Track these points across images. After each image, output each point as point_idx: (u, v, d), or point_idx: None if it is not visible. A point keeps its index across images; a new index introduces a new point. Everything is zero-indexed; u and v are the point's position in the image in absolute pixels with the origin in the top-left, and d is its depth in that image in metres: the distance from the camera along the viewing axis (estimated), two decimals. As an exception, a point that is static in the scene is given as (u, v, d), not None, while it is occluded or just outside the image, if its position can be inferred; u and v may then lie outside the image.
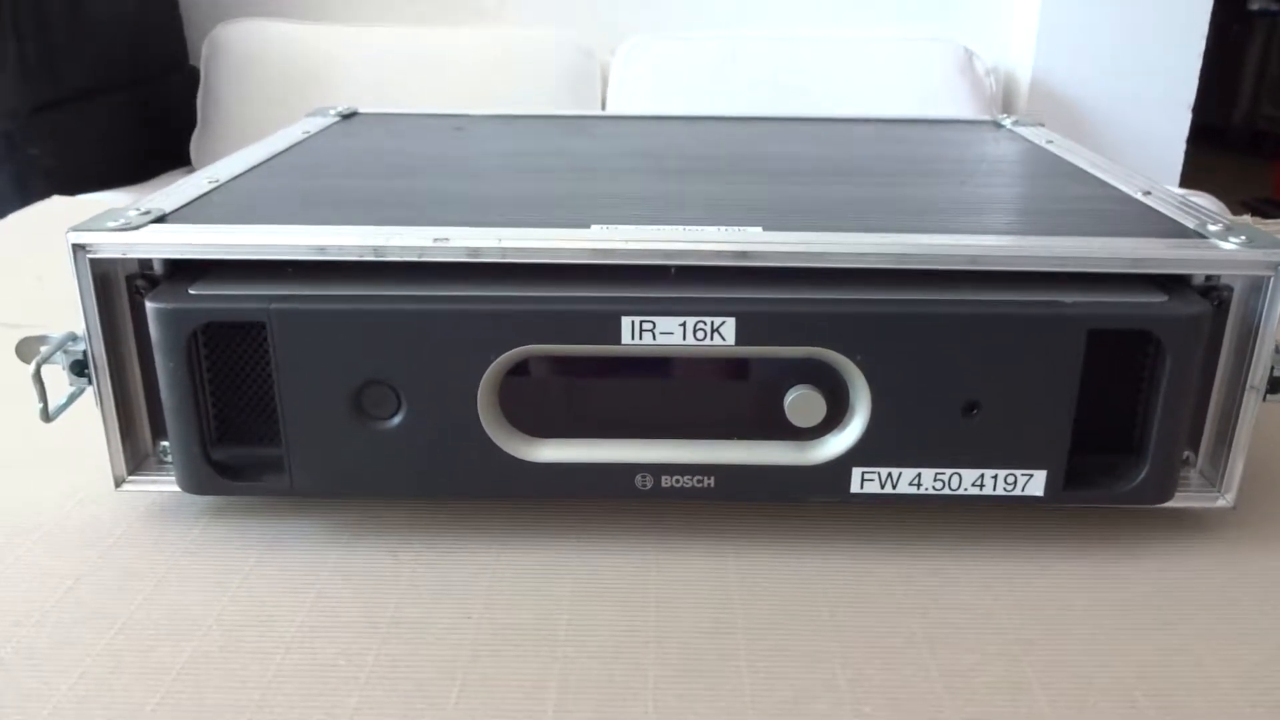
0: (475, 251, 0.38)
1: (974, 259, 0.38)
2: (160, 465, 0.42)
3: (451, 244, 0.38)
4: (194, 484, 0.40)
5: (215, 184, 0.47)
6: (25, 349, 0.40)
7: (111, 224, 0.39)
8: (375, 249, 0.38)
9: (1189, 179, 1.76)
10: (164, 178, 1.60)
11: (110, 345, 0.40)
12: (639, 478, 0.40)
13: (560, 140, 0.58)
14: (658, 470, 0.40)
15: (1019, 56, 1.78)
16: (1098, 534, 0.42)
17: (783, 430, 0.39)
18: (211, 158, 1.66)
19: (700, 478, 0.40)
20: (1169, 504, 0.41)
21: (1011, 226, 0.41)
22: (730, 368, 0.39)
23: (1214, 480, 0.41)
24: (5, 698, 0.32)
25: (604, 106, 1.70)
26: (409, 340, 0.38)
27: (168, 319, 0.37)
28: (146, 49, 1.65)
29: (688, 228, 0.40)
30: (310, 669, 0.34)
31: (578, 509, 0.43)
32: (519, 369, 0.39)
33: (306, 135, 0.58)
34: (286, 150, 0.54)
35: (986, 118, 0.66)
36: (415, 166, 0.50)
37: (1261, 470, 0.46)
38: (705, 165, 0.52)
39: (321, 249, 0.38)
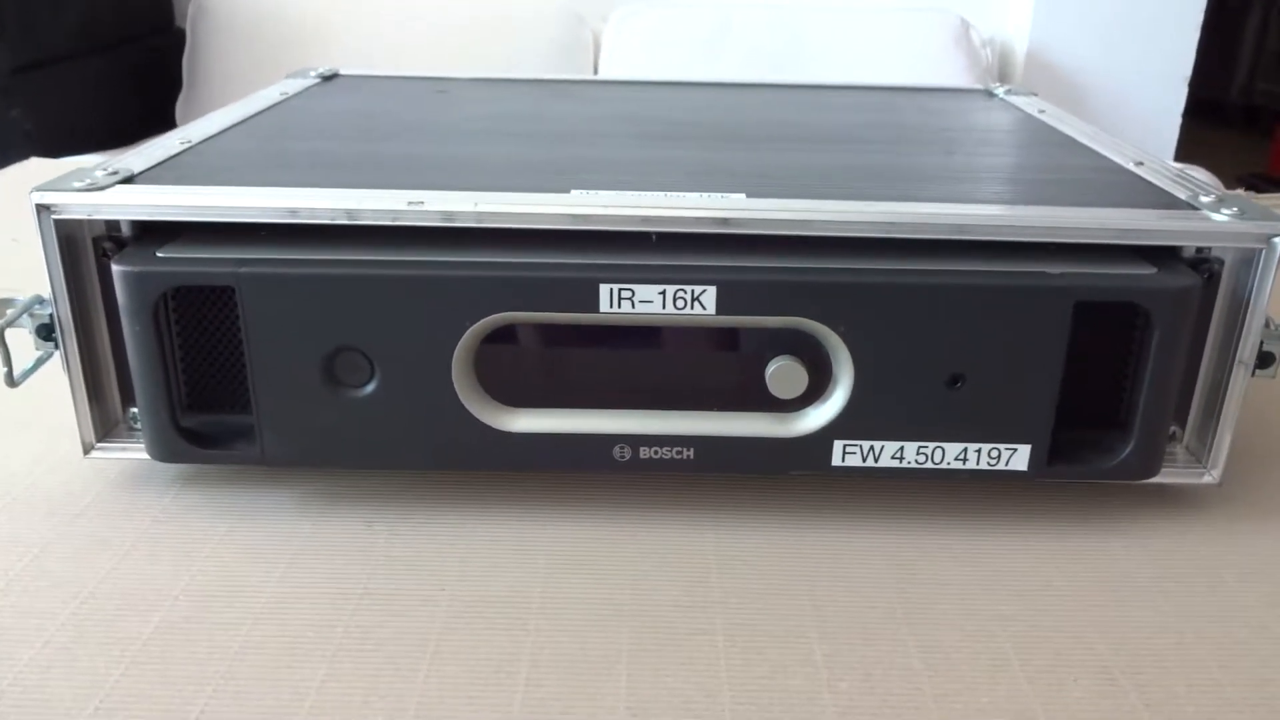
0: (450, 215, 0.37)
1: (960, 228, 0.37)
2: (130, 432, 0.41)
3: (426, 207, 0.37)
4: (163, 452, 0.39)
5: (188, 144, 0.45)
6: (-10, 312, 0.39)
7: (77, 184, 0.38)
8: (348, 212, 0.37)
9: (1184, 153, 1.74)
10: (148, 141, 1.58)
11: (77, 308, 0.39)
12: (617, 449, 0.39)
13: (544, 104, 0.57)
14: (636, 441, 0.39)
15: (1015, 28, 1.76)
16: (1082, 509, 0.41)
17: (764, 402, 0.39)
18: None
19: (679, 449, 0.39)
20: (1155, 480, 0.40)
21: (999, 196, 0.40)
22: (711, 337, 0.39)
23: (1201, 456, 0.41)
24: (-35, 667, 0.32)
25: (596, 73, 1.68)
26: (382, 306, 0.37)
27: (134, 282, 0.36)
28: (131, 10, 1.62)
29: (669, 194, 0.39)
30: (278, 641, 0.33)
31: (555, 479, 0.42)
32: (495, 336, 0.38)
33: (285, 96, 0.57)
34: (263, 111, 0.53)
35: (980, 86, 0.65)
36: (394, 129, 0.49)
37: (1249, 446, 0.46)
38: (691, 131, 0.50)
39: (293, 211, 0.37)
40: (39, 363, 0.40)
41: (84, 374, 0.39)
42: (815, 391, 0.39)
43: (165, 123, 1.67)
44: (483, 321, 0.37)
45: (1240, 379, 0.39)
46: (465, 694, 0.31)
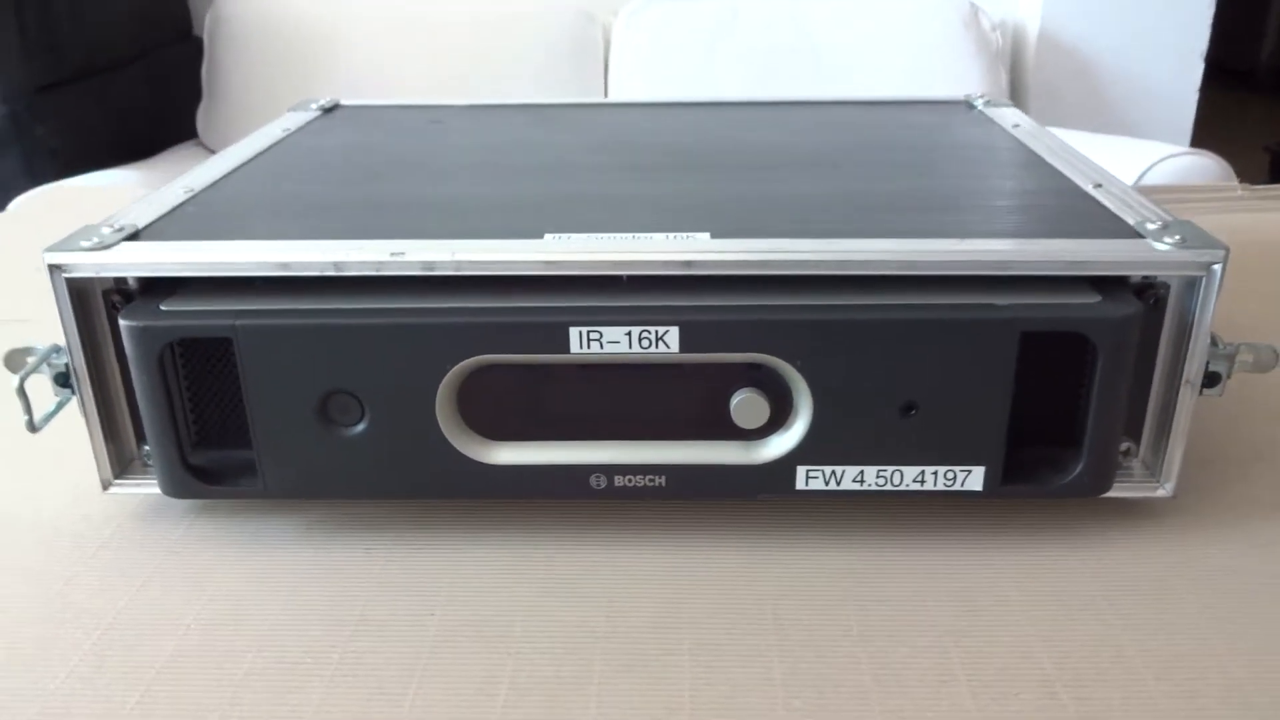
0: (430, 265, 0.39)
1: (909, 264, 0.39)
2: (145, 468, 0.44)
3: (407, 258, 0.39)
4: (173, 488, 0.42)
5: (190, 194, 0.48)
6: (12, 361, 0.43)
7: (85, 244, 0.41)
8: (335, 264, 0.40)
9: (1212, 125, 1.74)
10: (171, 151, 1.62)
11: (91, 357, 0.42)
12: (593, 478, 0.41)
13: (532, 133, 0.59)
14: (611, 470, 0.41)
15: (1026, 9, 1.75)
16: (1041, 524, 0.43)
17: (730, 431, 0.41)
18: (218, 129, 1.68)
19: (652, 477, 0.41)
20: (1111, 494, 0.42)
21: (952, 227, 0.42)
22: (680, 371, 0.41)
23: (1155, 470, 0.43)
24: (-3, 697, 0.35)
25: (606, 70, 1.70)
26: (368, 352, 0.39)
27: (139, 336, 0.39)
28: (150, 22, 1.66)
29: (637, 236, 0.41)
30: (279, 667, 0.36)
31: (541, 507, 0.45)
32: (477, 375, 0.41)
33: (286, 134, 0.60)
34: (264, 151, 0.56)
35: (960, 97, 0.66)
36: (385, 168, 0.52)
37: (1208, 459, 0.48)
38: (670, 160, 0.53)
39: (285, 265, 0.40)
40: (59, 407, 0.43)
41: (99, 416, 0.42)
42: (778, 420, 0.41)
43: (187, 132, 1.71)
44: (461, 364, 0.39)
45: (1188, 398, 0.41)
46: (449, 715, 0.34)
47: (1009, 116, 0.61)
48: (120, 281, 0.42)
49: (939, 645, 0.37)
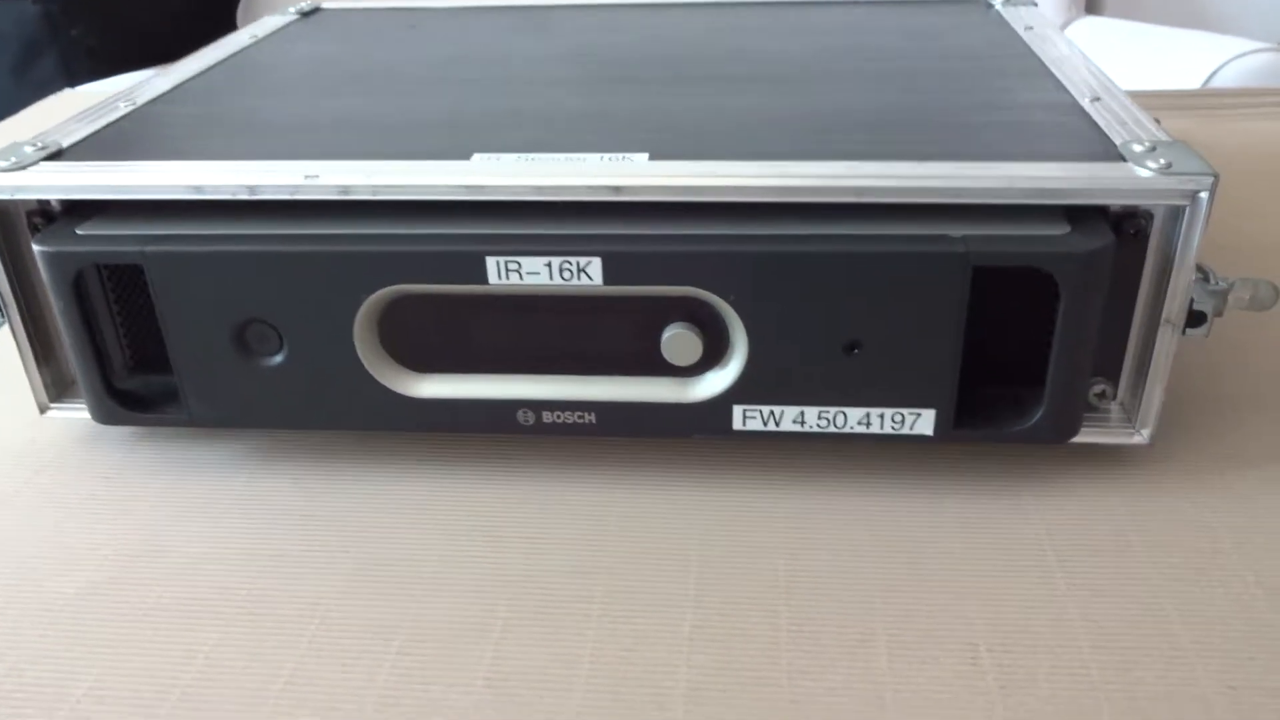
0: (346, 189, 0.37)
1: (859, 191, 0.36)
2: (84, 392, 0.44)
3: (321, 181, 0.37)
4: (100, 414, 0.41)
5: (132, 107, 0.47)
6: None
7: (3, 162, 0.39)
8: (249, 187, 0.38)
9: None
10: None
11: (20, 280, 0.41)
12: (520, 414, 0.40)
13: (502, 40, 0.56)
14: (538, 406, 0.39)
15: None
16: (1002, 471, 0.40)
17: (664, 367, 0.39)
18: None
19: (581, 414, 0.39)
20: (1084, 439, 0.39)
21: (915, 149, 0.38)
22: (610, 304, 0.38)
23: (1133, 415, 0.39)
24: (-91, 624, 0.35)
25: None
26: (282, 280, 0.38)
27: (50, 261, 0.38)
28: (188, -85, 1.63)
29: (571, 157, 0.38)
30: (184, 602, 0.36)
31: (470, 443, 0.43)
32: (399, 304, 0.39)
33: (254, 40, 0.58)
34: (221, 62, 0.53)
35: (979, -6, 0.61)
36: (334, 83, 0.49)
37: (1203, 403, 0.44)
38: (637, 72, 0.49)
39: (198, 188, 0.38)
40: (-10, 330, 0.43)
41: (30, 341, 0.42)
42: (714, 357, 0.38)
43: (228, 25, 1.69)
44: (378, 293, 0.38)
45: (1167, 339, 0.37)
46: (340, 661, 0.33)
47: (1024, 17, 0.56)
48: (43, 203, 0.40)
49: (867, 601, 0.35)
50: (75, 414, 0.43)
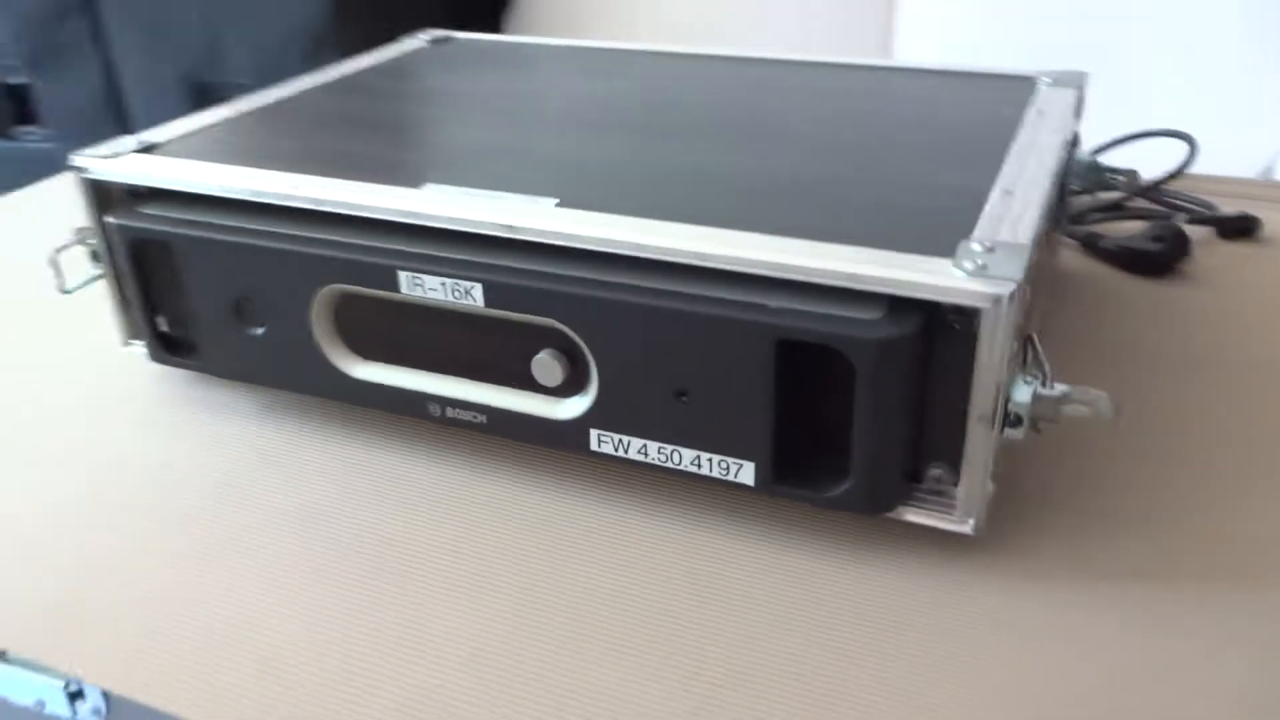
0: (319, 201, 0.46)
1: (699, 255, 0.40)
2: (158, 335, 0.56)
3: (300, 192, 0.46)
4: (151, 354, 0.53)
5: (237, 114, 0.58)
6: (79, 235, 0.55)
7: (105, 152, 0.52)
8: (252, 191, 0.47)
9: None
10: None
11: (111, 245, 0.53)
12: (431, 405, 0.47)
13: (568, 81, 0.63)
14: (444, 402, 0.47)
15: None
16: (837, 533, 0.43)
17: (539, 385, 0.44)
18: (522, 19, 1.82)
19: (475, 414, 0.46)
20: (913, 518, 0.41)
21: (775, 221, 0.41)
22: (501, 323, 0.45)
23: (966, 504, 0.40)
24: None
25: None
26: (262, 268, 0.47)
27: (114, 231, 0.50)
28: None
29: (495, 194, 0.45)
30: (142, 523, 0.46)
31: (404, 422, 0.51)
32: (350, 297, 0.47)
33: (377, 62, 0.68)
34: (327, 84, 0.64)
35: (1033, 73, 0.60)
36: (407, 117, 0.58)
37: (1061, 501, 0.43)
38: (632, 119, 0.54)
39: (215, 186, 0.48)
40: (92, 279, 0.56)
41: (115, 290, 0.54)
42: (579, 383, 0.44)
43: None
44: (323, 290, 0.46)
45: (980, 434, 0.38)
46: (237, 600, 0.42)
47: (1051, 99, 0.55)
48: (134, 186, 0.52)
49: (643, 624, 0.39)
50: (139, 352, 0.55)
